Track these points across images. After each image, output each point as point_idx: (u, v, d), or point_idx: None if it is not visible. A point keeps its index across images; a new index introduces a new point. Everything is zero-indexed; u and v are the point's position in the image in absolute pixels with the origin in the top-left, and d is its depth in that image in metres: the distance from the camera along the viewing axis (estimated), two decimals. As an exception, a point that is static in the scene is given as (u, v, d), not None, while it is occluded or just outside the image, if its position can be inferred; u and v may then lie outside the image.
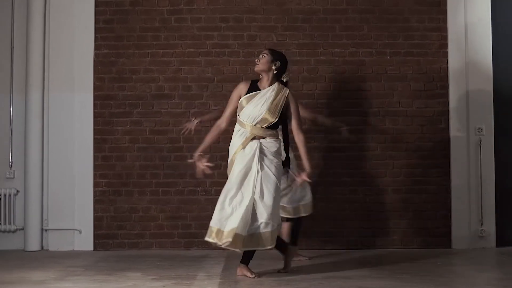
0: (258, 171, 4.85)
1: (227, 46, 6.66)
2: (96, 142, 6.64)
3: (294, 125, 5.02)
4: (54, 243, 6.54)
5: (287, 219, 5.64)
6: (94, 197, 6.60)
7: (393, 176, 6.65)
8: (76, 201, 6.58)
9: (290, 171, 5.33)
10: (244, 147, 4.90)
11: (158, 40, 6.68)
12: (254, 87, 4.98)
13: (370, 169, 6.64)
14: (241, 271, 4.95)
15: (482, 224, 6.56)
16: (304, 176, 4.97)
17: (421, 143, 6.67)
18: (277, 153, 4.94)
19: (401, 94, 6.70)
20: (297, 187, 5.26)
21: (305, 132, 5.21)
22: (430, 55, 6.69)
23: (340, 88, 6.69)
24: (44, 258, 6.02)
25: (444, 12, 6.68)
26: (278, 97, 4.94)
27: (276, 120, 4.92)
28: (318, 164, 6.41)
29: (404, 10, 6.72)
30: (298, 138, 5.00)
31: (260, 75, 5.03)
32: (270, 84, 4.99)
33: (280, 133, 5.09)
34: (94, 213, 6.59)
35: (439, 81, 6.69)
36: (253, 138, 4.91)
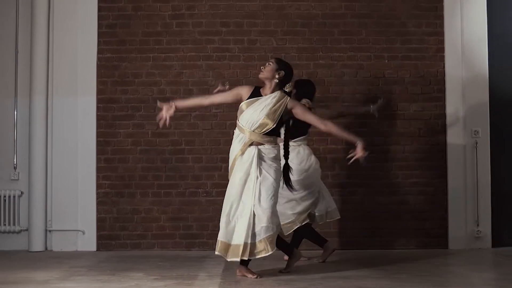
0: (257, 177, 4.86)
1: (228, 50, 6.67)
2: (99, 144, 6.64)
3: (316, 123, 4.99)
4: (58, 244, 6.55)
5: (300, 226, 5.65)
6: (97, 198, 6.61)
7: (391, 178, 6.66)
8: (79, 203, 6.58)
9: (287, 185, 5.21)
10: (242, 153, 4.91)
11: (160, 45, 6.70)
12: (256, 93, 5.01)
13: (368, 171, 6.60)
14: (241, 271, 4.94)
15: (478, 225, 6.57)
16: (360, 148, 4.86)
17: (418, 146, 6.69)
18: (275, 159, 4.95)
19: (398, 98, 6.70)
20: (361, 157, 4.92)
21: (328, 117, 5.24)
22: (427, 59, 6.71)
23: (338, 91, 6.71)
24: (48, 258, 6.03)
25: (440, 17, 6.70)
26: (277, 104, 4.95)
27: (275, 125, 4.92)
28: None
29: (402, 15, 6.74)
30: (327, 126, 4.98)
31: (263, 82, 5.05)
32: (272, 92, 5.01)
33: (279, 138, 5.09)
34: (97, 214, 6.60)
35: (436, 84, 6.70)
36: (251, 144, 4.92)
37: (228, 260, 4.89)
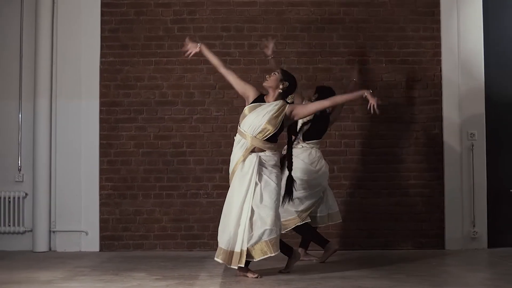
0: (256, 183, 4.91)
1: (229, 54, 6.67)
2: (102, 147, 6.66)
3: (321, 106, 5.11)
4: (62, 244, 6.58)
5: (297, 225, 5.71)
6: (100, 200, 6.63)
7: (389, 179, 6.68)
8: (82, 204, 6.60)
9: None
10: (244, 159, 4.95)
11: (162, 49, 6.71)
12: (260, 99, 5.08)
13: (366, 172, 6.67)
14: (242, 272, 4.97)
15: (474, 226, 6.59)
16: (370, 96, 4.97)
17: (415, 148, 6.71)
18: (275, 165, 5.01)
19: (396, 101, 6.73)
20: (375, 104, 5.01)
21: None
22: (424, 63, 6.73)
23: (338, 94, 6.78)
24: (52, 258, 6.06)
25: (437, 22, 6.71)
26: (278, 111, 5.01)
27: (276, 131, 4.99)
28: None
29: (399, 20, 6.75)
30: (332, 101, 5.09)
31: (267, 90, 5.13)
32: (275, 101, 5.09)
33: (277, 145, 5.16)
34: (100, 215, 6.62)
35: (433, 88, 6.72)
36: (253, 151, 4.97)
37: (229, 266, 4.92)
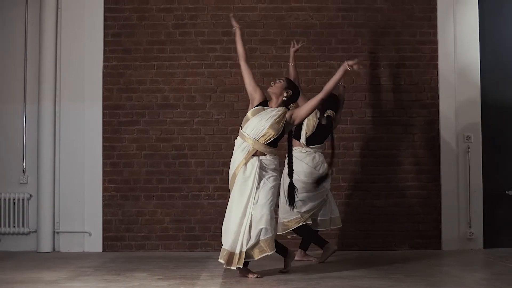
0: (257, 188, 4.97)
1: (229, 58, 6.71)
2: (105, 149, 6.70)
3: (315, 100, 5.08)
4: (65, 245, 6.62)
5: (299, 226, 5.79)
6: (103, 201, 6.67)
7: (386, 181, 6.72)
8: (86, 205, 6.64)
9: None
10: (246, 163, 5.01)
11: (164, 53, 6.76)
12: (264, 104, 5.16)
13: (364, 174, 6.72)
14: (242, 272, 5.01)
15: (470, 227, 6.63)
16: (352, 64, 5.03)
17: (412, 150, 6.75)
18: (275, 169, 5.08)
19: (394, 104, 6.77)
20: (361, 66, 5.18)
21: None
22: (421, 67, 6.76)
23: (336, 98, 6.85)
24: (56, 259, 6.10)
25: (434, 27, 6.75)
26: (280, 117, 5.09)
27: (278, 135, 5.06)
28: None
29: (397, 24, 6.79)
30: (323, 91, 5.09)
31: (271, 97, 5.20)
32: (277, 107, 5.16)
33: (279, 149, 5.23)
34: (103, 217, 6.66)
35: (429, 91, 6.76)
36: (254, 154, 5.02)
37: (229, 267, 4.96)
